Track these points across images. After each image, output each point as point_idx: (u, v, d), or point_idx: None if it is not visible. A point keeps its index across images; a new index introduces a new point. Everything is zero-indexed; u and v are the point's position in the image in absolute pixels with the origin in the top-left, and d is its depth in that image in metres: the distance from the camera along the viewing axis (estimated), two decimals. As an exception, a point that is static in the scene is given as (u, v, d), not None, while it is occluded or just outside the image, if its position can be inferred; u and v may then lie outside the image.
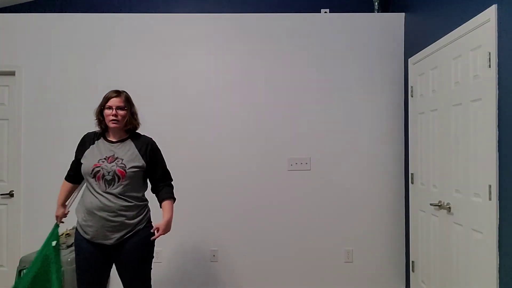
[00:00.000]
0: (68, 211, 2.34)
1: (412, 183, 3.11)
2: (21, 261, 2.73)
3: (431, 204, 2.67)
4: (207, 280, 3.31)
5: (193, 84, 3.34)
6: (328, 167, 3.34)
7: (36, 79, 3.33)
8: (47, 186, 3.29)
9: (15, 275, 2.74)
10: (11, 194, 3.33)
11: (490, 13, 2.06)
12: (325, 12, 3.64)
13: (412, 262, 3.11)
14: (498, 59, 2.02)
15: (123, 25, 3.35)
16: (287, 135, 3.35)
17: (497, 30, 2.02)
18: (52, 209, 3.25)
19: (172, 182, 2.29)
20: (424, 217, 2.89)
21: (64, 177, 2.34)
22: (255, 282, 3.33)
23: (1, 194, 3.34)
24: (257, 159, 3.34)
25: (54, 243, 2.24)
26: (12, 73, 3.32)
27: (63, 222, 2.34)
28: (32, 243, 3.21)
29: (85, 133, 2.26)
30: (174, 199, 2.25)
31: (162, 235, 2.14)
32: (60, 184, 3.21)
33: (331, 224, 3.33)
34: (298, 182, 3.34)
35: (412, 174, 3.11)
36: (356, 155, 3.34)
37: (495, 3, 2.04)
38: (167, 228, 2.14)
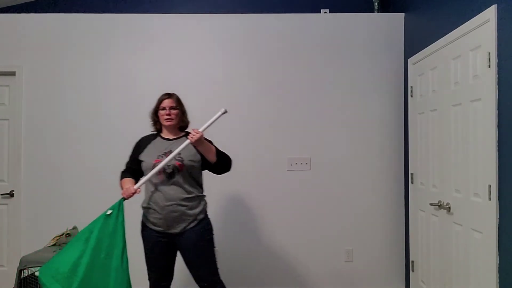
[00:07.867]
0: (140, 191, 2.24)
1: (412, 183, 3.12)
2: (21, 261, 2.72)
3: (431, 204, 2.67)
4: (207, 280, 3.31)
5: (191, 84, 3.34)
6: (328, 167, 3.34)
7: (36, 79, 3.33)
8: (48, 186, 3.29)
9: (15, 275, 2.74)
10: (11, 194, 3.33)
11: (490, 13, 2.06)
12: (325, 12, 3.64)
13: (412, 261, 3.12)
14: (498, 59, 2.02)
15: (123, 25, 3.35)
16: (287, 135, 3.35)
17: (497, 30, 2.02)
18: (51, 209, 3.28)
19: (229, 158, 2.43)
20: (424, 217, 2.89)
21: (121, 175, 2.38)
22: (255, 282, 3.32)
23: (1, 194, 3.34)
24: (257, 159, 3.34)
25: (109, 212, 2.06)
26: (12, 73, 3.32)
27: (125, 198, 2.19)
28: (32, 243, 3.20)
29: (140, 138, 2.43)
30: (219, 151, 2.38)
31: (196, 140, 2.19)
32: (60, 184, 3.27)
33: (331, 224, 3.33)
34: (297, 182, 3.34)
35: (412, 174, 3.11)
36: (356, 155, 3.34)
37: (495, 3, 2.03)
38: (200, 136, 2.20)
